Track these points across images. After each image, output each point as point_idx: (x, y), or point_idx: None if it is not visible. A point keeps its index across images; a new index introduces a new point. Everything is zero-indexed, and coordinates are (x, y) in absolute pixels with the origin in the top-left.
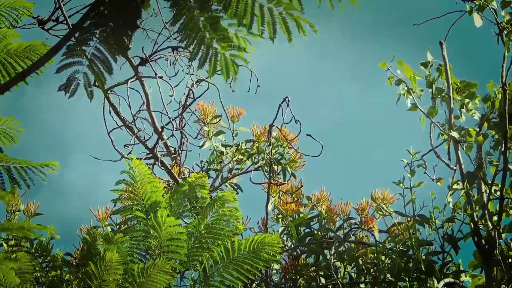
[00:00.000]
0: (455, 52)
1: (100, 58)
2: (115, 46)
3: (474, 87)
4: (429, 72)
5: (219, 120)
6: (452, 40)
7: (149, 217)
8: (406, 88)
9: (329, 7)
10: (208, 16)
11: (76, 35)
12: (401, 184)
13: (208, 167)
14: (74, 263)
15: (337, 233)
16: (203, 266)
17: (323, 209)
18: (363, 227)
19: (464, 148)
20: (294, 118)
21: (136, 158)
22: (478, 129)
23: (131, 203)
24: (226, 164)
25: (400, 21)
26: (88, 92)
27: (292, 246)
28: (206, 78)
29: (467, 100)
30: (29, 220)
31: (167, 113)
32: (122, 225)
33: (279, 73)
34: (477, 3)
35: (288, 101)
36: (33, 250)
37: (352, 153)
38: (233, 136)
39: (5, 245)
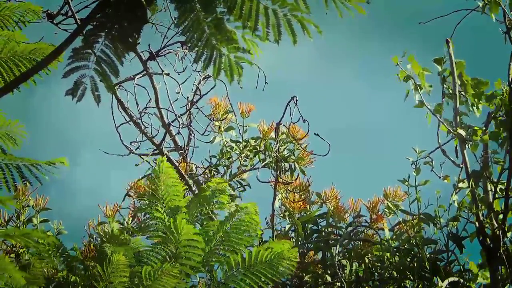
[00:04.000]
0: (462, 50)
1: (106, 61)
2: (120, 49)
3: (485, 85)
4: (442, 68)
5: (231, 115)
6: (459, 39)
7: (167, 219)
8: (414, 84)
9: (339, 15)
10: (213, 17)
11: (82, 38)
12: (407, 182)
13: (217, 162)
14: (81, 259)
15: (345, 230)
16: (217, 272)
17: (332, 206)
18: (373, 225)
19: (470, 146)
20: (302, 118)
21: (143, 154)
22: (484, 128)
23: (152, 201)
24: (235, 160)
25: (409, 19)
26: (95, 96)
27: (299, 244)
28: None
29: (476, 99)
30: (38, 215)
31: (173, 110)
32: (134, 223)
33: (288, 70)
34: (486, 1)
35: (296, 100)
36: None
37: (361, 151)
38: (240, 133)
39: (12, 241)
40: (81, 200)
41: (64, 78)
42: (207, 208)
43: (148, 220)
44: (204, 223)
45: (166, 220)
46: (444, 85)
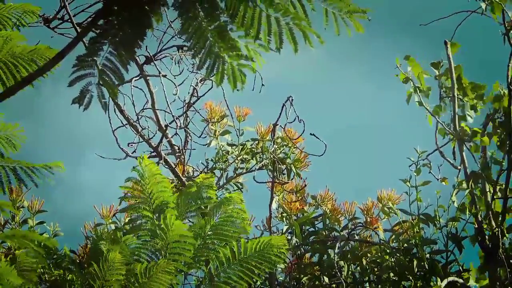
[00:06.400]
0: (463, 51)
1: (111, 69)
2: (125, 56)
3: (482, 89)
4: (439, 72)
5: (226, 120)
6: (460, 40)
7: (156, 216)
8: (413, 86)
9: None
10: (216, 25)
11: (85, 45)
12: (408, 183)
13: (214, 165)
14: (78, 260)
15: (342, 233)
16: (208, 266)
17: (328, 208)
18: (368, 226)
19: (470, 147)
20: (298, 118)
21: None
22: (483, 129)
23: (139, 201)
24: (231, 163)
25: (414, 20)
26: (102, 104)
27: (296, 245)
28: (210, 77)
29: (475, 101)
30: (33, 217)
31: (170, 111)
32: (127, 225)
33: (288, 72)
34: (487, 2)
35: (292, 100)
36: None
37: (362, 152)
38: (237, 135)
39: (9, 242)
40: (86, 200)
41: (70, 86)
42: (196, 203)
43: (137, 220)
44: (195, 218)
45: (155, 218)
46: (442, 89)
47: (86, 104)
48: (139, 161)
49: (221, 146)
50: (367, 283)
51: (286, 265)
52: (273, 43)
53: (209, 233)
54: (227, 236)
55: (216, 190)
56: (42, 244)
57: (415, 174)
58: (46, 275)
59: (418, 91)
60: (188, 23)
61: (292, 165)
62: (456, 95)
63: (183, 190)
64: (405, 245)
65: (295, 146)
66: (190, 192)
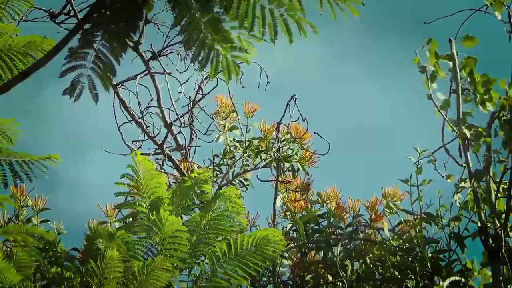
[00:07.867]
0: (465, 49)
1: (103, 60)
2: (117, 48)
3: (493, 82)
4: (453, 65)
5: (235, 114)
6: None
7: (151, 213)
8: (430, 74)
9: (332, 17)
10: (210, 17)
11: (78, 37)
12: (409, 182)
13: (220, 161)
14: (79, 258)
15: (346, 230)
16: (205, 261)
17: (333, 206)
18: (372, 224)
19: (472, 147)
20: (302, 116)
21: (145, 154)
22: (487, 128)
23: (134, 197)
24: (238, 159)
25: (418, 19)
26: (93, 95)
27: (301, 243)
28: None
29: (486, 96)
30: (37, 215)
31: (175, 109)
32: (124, 220)
33: (295, 70)
34: (492, 1)
35: (296, 99)
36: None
37: (368, 150)
38: (241, 132)
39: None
40: (91, 199)
41: (61, 77)
42: (191, 198)
43: (132, 216)
44: (190, 213)
45: (150, 214)
46: (455, 82)
47: (76, 95)
48: (132, 157)
49: (229, 142)
50: (372, 281)
51: (290, 263)
52: (267, 34)
53: (205, 228)
54: (223, 230)
55: (219, 184)
56: (40, 238)
57: (416, 173)
58: (47, 273)
59: (430, 82)
60: (181, 16)
61: (298, 162)
62: (460, 93)
63: (178, 185)
64: (407, 244)
65: (302, 143)
66: (185, 187)
